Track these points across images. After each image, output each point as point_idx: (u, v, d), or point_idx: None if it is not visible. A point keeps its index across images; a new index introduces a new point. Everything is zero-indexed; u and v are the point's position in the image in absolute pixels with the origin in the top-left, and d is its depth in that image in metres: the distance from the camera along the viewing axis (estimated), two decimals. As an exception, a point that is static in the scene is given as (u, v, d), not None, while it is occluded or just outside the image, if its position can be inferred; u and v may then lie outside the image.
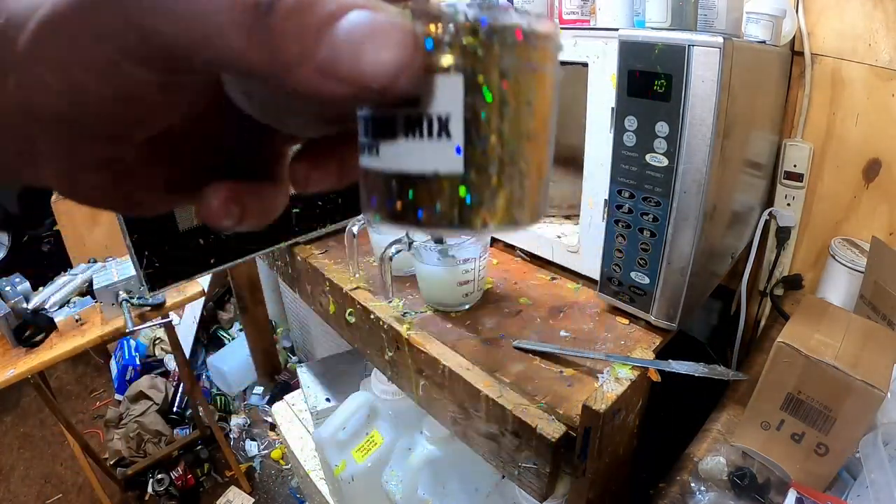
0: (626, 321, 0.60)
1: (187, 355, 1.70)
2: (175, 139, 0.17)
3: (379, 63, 0.12)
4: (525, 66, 0.14)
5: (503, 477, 0.81)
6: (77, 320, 1.13)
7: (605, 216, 0.57)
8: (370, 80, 0.12)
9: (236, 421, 1.74)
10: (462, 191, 0.14)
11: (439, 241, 0.60)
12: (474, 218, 0.14)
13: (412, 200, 0.14)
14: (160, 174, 0.18)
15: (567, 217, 0.76)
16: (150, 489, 1.49)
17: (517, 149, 0.14)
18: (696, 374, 0.48)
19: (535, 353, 0.55)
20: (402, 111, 0.14)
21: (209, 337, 2.06)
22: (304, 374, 1.27)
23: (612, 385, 0.45)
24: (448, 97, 0.13)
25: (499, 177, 0.14)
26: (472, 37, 0.13)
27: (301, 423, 1.34)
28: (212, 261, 0.68)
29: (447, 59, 0.13)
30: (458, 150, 0.14)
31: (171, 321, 1.26)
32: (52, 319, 1.11)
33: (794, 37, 0.70)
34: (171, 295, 1.24)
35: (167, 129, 0.16)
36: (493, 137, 0.14)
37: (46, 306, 1.16)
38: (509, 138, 0.14)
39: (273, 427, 1.68)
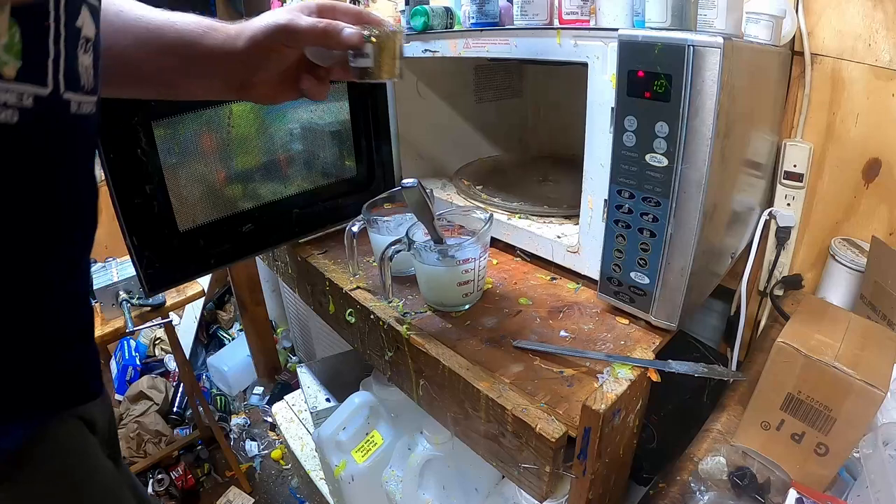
0: (626, 321, 0.60)
1: (187, 355, 1.70)
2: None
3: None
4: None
5: (503, 477, 0.81)
6: (77, 320, 1.13)
7: (605, 216, 0.57)
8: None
9: (236, 421, 1.74)
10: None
11: (439, 241, 0.60)
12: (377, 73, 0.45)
13: (364, 69, 0.46)
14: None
15: (567, 217, 0.76)
16: (150, 489, 1.49)
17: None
18: (696, 374, 0.48)
19: (535, 353, 0.55)
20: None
21: (209, 337, 2.06)
22: (304, 374, 1.28)
23: (612, 385, 0.45)
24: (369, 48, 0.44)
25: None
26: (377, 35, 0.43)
27: (301, 423, 1.34)
28: (212, 261, 0.68)
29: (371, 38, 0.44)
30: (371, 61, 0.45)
31: (171, 321, 1.26)
32: (52, 319, 1.10)
33: (794, 37, 0.70)
34: (171, 295, 1.24)
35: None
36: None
37: (46, 306, 1.15)
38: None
39: (273, 427, 1.68)
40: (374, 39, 0.43)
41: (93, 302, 1.17)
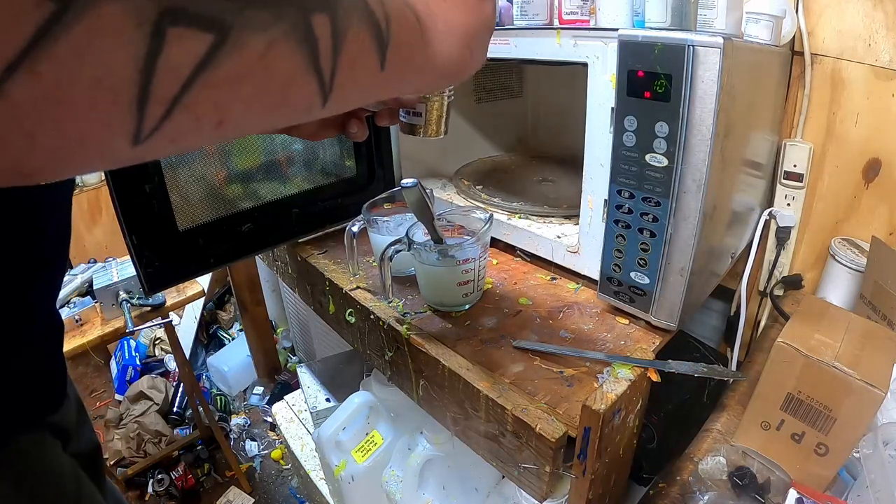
0: (626, 321, 0.60)
1: (187, 355, 1.70)
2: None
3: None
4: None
5: (503, 477, 0.81)
6: (77, 321, 1.13)
7: (605, 216, 0.57)
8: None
9: (236, 421, 1.74)
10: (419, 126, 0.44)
11: (439, 241, 0.60)
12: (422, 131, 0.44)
13: (413, 125, 0.44)
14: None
15: (567, 217, 0.76)
16: (150, 489, 1.49)
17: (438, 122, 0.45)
18: (696, 374, 0.48)
19: (535, 353, 0.55)
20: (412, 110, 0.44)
21: (209, 337, 2.06)
22: (304, 374, 1.28)
23: (612, 385, 0.45)
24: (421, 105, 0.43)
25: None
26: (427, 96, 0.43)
27: (301, 423, 1.34)
28: (211, 260, 0.68)
29: (424, 98, 0.43)
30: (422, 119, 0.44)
31: (171, 321, 1.26)
32: (52, 319, 1.10)
33: (794, 37, 0.70)
34: (171, 295, 1.24)
35: None
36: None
37: (46, 306, 1.15)
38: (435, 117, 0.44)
39: (273, 427, 1.68)
40: (427, 99, 0.44)
41: (92, 302, 1.17)
